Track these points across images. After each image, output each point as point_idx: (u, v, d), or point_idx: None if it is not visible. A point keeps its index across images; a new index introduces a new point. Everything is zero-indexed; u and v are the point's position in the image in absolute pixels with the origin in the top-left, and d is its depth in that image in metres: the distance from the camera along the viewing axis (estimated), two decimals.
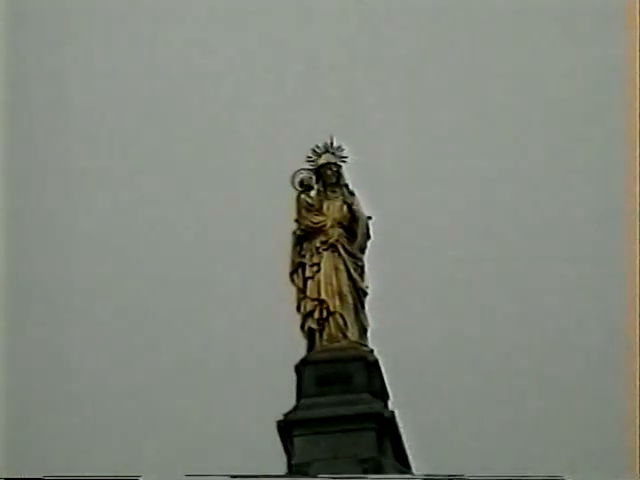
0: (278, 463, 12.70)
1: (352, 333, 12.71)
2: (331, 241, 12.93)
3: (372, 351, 12.78)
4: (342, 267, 12.96)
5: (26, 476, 16.77)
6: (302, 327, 12.95)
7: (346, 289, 12.90)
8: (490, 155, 35.66)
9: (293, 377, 12.97)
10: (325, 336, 12.82)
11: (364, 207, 13.07)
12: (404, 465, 12.21)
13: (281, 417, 12.63)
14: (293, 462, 12.26)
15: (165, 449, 27.10)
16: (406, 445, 12.59)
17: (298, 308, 12.88)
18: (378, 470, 11.95)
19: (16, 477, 15.95)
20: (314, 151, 13.17)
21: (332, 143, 13.35)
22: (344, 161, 12.76)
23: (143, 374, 29.53)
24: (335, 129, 15.69)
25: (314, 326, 12.84)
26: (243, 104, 32.46)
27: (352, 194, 13.17)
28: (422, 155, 34.34)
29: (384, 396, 12.84)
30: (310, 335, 12.85)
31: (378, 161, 20.66)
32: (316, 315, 12.80)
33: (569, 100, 28.33)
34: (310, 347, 12.79)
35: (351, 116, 27.82)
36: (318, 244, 13.00)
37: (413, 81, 35.32)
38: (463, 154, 36.12)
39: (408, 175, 28.73)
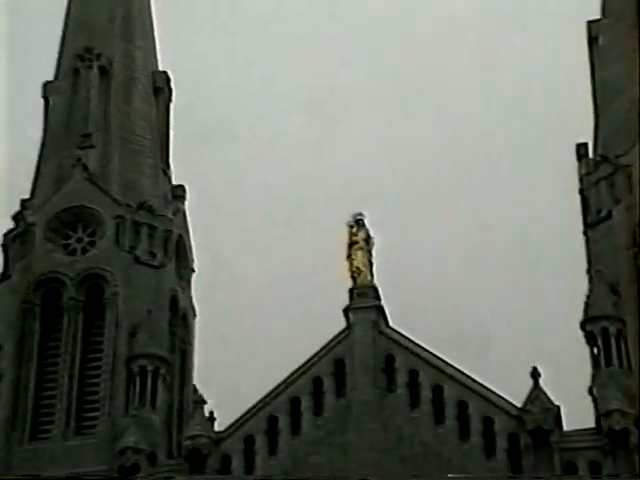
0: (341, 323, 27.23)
1: (368, 278, 27.42)
2: (360, 245, 27.51)
3: (376, 284, 27.36)
4: (366, 254, 27.56)
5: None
6: (352, 277, 27.37)
7: (366, 262, 27.52)
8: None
9: (347, 296, 27.34)
10: (359, 279, 27.39)
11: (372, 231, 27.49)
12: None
13: (344, 307, 27.23)
14: (350, 323, 26.99)
15: None
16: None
17: (350, 269, 27.36)
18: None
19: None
20: (354, 214, 27.85)
21: (360, 213, 27.84)
22: (364, 217, 27.85)
23: None
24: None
25: (356, 275, 27.37)
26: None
27: (366, 228, 27.57)
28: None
29: (378, 296, 27.29)
30: (353, 278, 27.33)
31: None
32: (356, 271, 27.45)
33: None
34: (353, 282, 27.36)
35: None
36: (356, 247, 27.44)
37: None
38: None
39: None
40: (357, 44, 48.97)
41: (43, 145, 30.90)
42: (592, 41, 30.24)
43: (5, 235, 29.92)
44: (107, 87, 30.84)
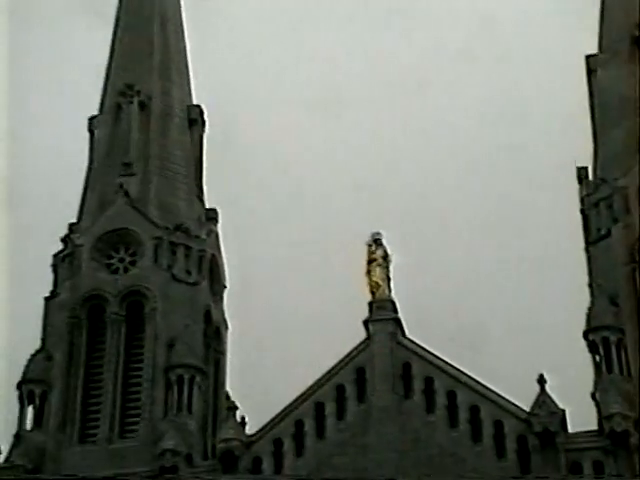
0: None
1: (386, 293, 28.53)
2: (379, 262, 28.54)
3: (393, 298, 28.45)
4: (384, 270, 28.64)
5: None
6: (371, 292, 28.52)
7: (384, 278, 28.57)
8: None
9: (367, 309, 28.30)
10: (378, 294, 28.53)
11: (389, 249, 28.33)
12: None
13: (364, 319, 28.12)
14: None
15: None
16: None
17: (369, 284, 28.42)
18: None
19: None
20: (372, 233, 29.00)
21: (379, 232, 28.91)
22: (382, 237, 28.94)
23: None
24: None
25: (374, 290, 28.43)
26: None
27: (384, 246, 28.61)
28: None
29: (395, 309, 28.55)
30: (372, 292, 28.39)
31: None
32: (375, 286, 28.54)
33: None
34: (372, 296, 28.40)
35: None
36: (375, 264, 28.50)
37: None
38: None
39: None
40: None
41: (89, 173, 32.44)
42: (591, 73, 31.76)
43: (55, 256, 31.29)
44: (146, 120, 32.43)
